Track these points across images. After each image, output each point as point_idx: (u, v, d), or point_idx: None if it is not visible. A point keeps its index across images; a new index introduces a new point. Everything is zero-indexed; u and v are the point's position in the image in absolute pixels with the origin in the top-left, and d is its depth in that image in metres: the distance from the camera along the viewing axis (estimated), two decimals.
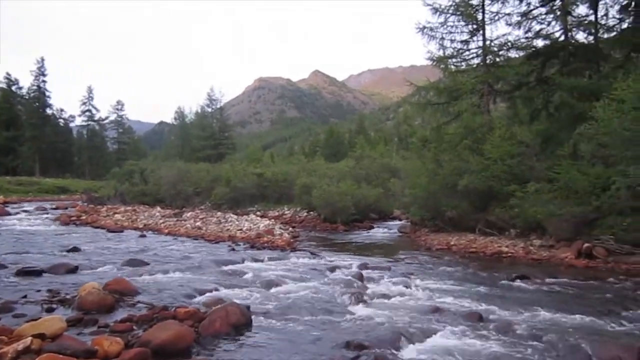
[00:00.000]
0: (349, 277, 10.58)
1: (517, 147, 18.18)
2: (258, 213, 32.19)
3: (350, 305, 8.21)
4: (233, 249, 15.59)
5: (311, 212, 29.09)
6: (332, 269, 11.73)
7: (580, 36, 21.64)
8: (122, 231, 20.82)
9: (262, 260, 13.07)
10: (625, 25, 20.57)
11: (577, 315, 7.80)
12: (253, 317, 7.07)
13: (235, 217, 26.07)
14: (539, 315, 7.84)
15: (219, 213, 29.23)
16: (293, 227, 24.95)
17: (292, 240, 19.02)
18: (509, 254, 15.24)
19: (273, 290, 9.36)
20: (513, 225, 17.12)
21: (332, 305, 8.13)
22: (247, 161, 52.86)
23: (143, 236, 19.02)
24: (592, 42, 21.04)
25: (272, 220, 27.25)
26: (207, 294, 8.63)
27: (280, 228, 22.27)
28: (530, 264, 13.84)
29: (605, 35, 21.11)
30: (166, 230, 21.05)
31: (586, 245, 13.78)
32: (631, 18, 20.27)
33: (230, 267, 11.90)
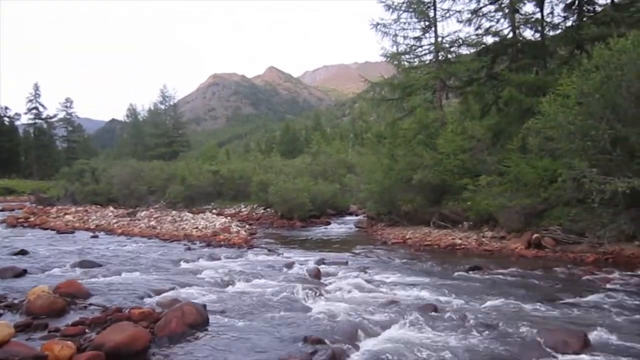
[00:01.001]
0: (306, 273, 10.62)
1: (469, 141, 18.60)
2: (214, 211, 31.86)
3: (308, 301, 8.24)
4: (189, 248, 15.38)
5: (268, 209, 29.02)
6: (290, 266, 11.74)
7: (528, 33, 22.39)
8: (73, 232, 20.22)
9: (218, 259, 12.96)
10: (569, 23, 21.37)
11: (527, 304, 8.07)
12: (210, 316, 6.99)
13: (191, 215, 25.71)
14: (491, 305, 8.06)
15: (174, 212, 28.69)
16: (250, 224, 24.84)
17: (249, 237, 18.90)
18: (463, 246, 15.61)
19: (230, 288, 9.29)
20: (466, 217, 17.54)
21: (289, 302, 8.13)
22: (203, 159, 52.21)
23: (95, 237, 18.53)
24: (539, 39, 21.77)
25: (229, 218, 27.00)
26: (163, 294, 8.48)
27: (237, 226, 22.12)
28: (483, 255, 14.21)
29: (551, 33, 21.87)
30: (119, 231, 20.58)
31: (535, 235, 14.26)
32: (575, 16, 21.07)
33: (186, 266, 11.77)
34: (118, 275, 10.26)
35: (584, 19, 20.57)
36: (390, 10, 23.24)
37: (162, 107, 78.51)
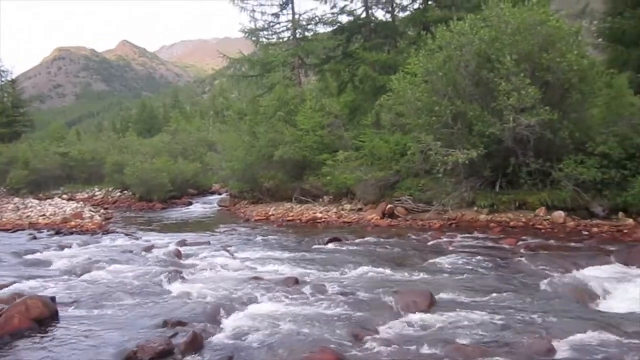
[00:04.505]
0: (166, 256, 10.32)
1: (327, 117, 19.17)
2: (64, 196, 29.75)
3: (168, 284, 7.99)
4: (35, 237, 14.19)
5: (125, 192, 27.93)
6: (149, 249, 11.31)
7: (380, 14, 23.43)
8: None
9: (69, 246, 12.09)
10: (416, 5, 22.71)
11: (381, 270, 8.58)
12: (60, 308, 6.51)
13: (37, 202, 23.74)
14: (349, 274, 8.46)
15: (16, 199, 26.35)
16: (105, 208, 23.68)
17: (104, 222, 17.96)
18: (323, 219, 16.15)
19: (83, 277, 8.69)
20: (326, 192, 18.15)
21: (148, 286, 7.84)
22: (49, 140, 48.01)
23: None
24: (390, 19, 22.90)
25: (81, 202, 25.43)
26: (3, 289, 7.71)
27: (91, 210, 20.87)
28: (342, 227, 14.82)
29: (401, 14, 23.15)
30: None
31: (389, 206, 15.17)
32: None
33: (31, 256, 10.83)
34: None
35: (429, 2, 21.97)
36: None
37: None
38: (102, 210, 22.01)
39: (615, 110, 12.73)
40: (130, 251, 11.23)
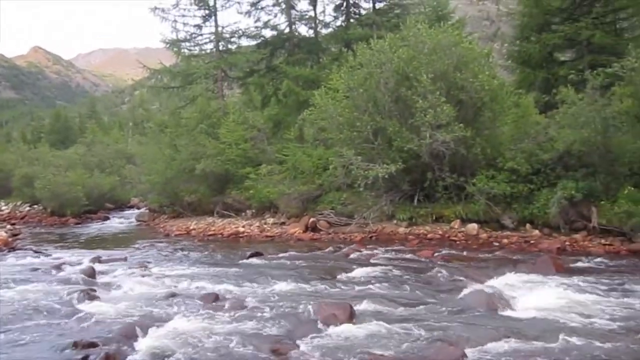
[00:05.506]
0: (79, 274, 9.78)
1: (251, 131, 19.09)
2: None
3: (79, 304, 7.57)
4: None
5: (35, 206, 26.49)
6: (59, 267, 10.70)
7: (303, 29, 23.78)
8: None
9: None
10: (339, 23, 23.27)
11: (303, 284, 8.61)
12: None
13: None
14: (270, 288, 8.40)
15: None
16: (12, 224, 22.36)
17: (10, 239, 16.84)
18: (246, 234, 16.02)
19: None
20: (249, 206, 18.00)
21: (57, 306, 7.39)
22: None
23: None
24: (313, 35, 23.27)
25: None
26: None
27: None
28: (264, 241, 14.77)
29: (324, 31, 23.62)
30: None
31: (312, 219, 15.26)
32: (343, 17, 23.00)
33: None
34: None
35: (351, 20, 22.58)
36: None
37: None
38: (8, 226, 20.72)
39: (522, 129, 13.56)
40: (39, 269, 10.62)
